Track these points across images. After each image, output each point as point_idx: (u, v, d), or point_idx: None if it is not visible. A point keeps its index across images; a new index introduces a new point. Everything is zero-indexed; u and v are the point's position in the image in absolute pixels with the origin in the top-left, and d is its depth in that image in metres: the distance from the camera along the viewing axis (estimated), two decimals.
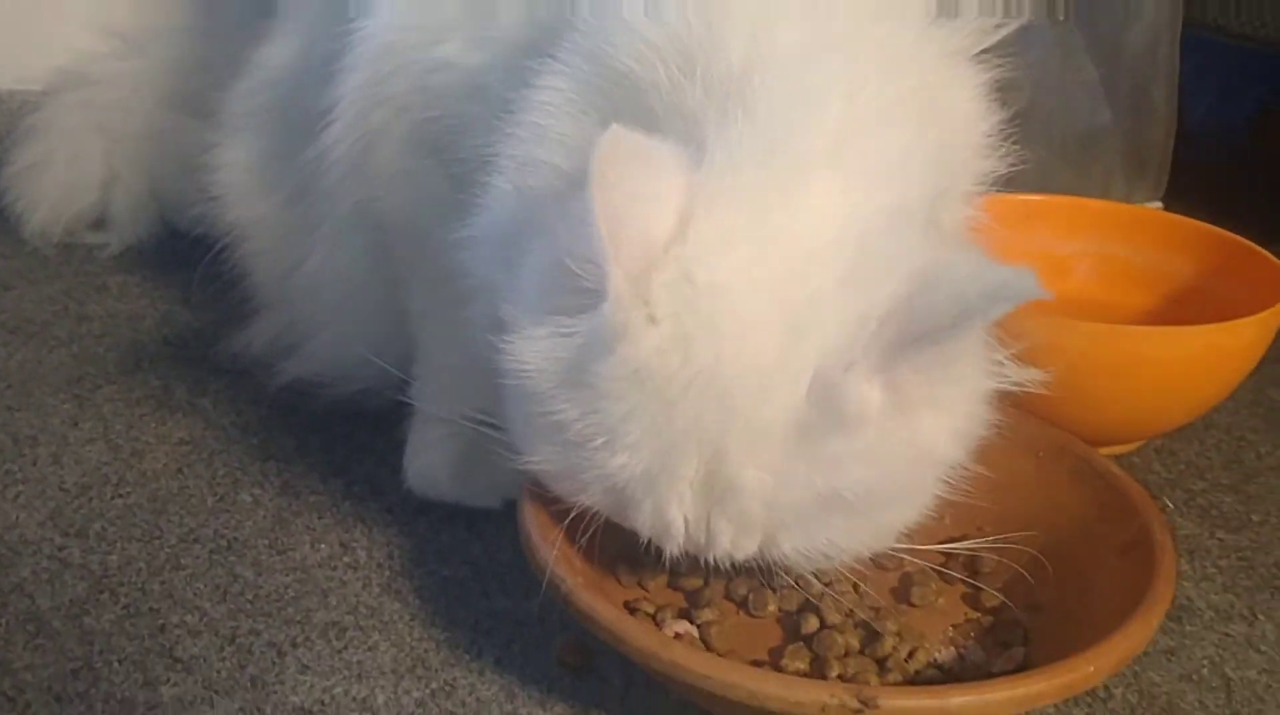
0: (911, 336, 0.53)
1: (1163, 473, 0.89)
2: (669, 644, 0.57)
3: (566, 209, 0.56)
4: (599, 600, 0.60)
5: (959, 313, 0.52)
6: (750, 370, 0.54)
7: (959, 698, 0.54)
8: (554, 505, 0.66)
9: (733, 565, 0.60)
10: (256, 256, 0.98)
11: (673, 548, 0.59)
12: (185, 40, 1.25)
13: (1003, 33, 0.68)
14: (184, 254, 1.16)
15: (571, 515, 0.61)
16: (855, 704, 0.53)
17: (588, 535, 0.62)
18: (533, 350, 0.57)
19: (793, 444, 0.54)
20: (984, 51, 0.67)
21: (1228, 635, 0.73)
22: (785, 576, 0.64)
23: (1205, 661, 0.71)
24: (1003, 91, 0.68)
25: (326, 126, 0.79)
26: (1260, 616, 0.74)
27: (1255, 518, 0.84)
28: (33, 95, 1.28)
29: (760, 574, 0.61)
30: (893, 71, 0.61)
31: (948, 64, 0.66)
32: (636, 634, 0.58)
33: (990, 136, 0.67)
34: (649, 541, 0.59)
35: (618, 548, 0.69)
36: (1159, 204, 1.16)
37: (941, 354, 0.54)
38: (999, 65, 0.68)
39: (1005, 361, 0.59)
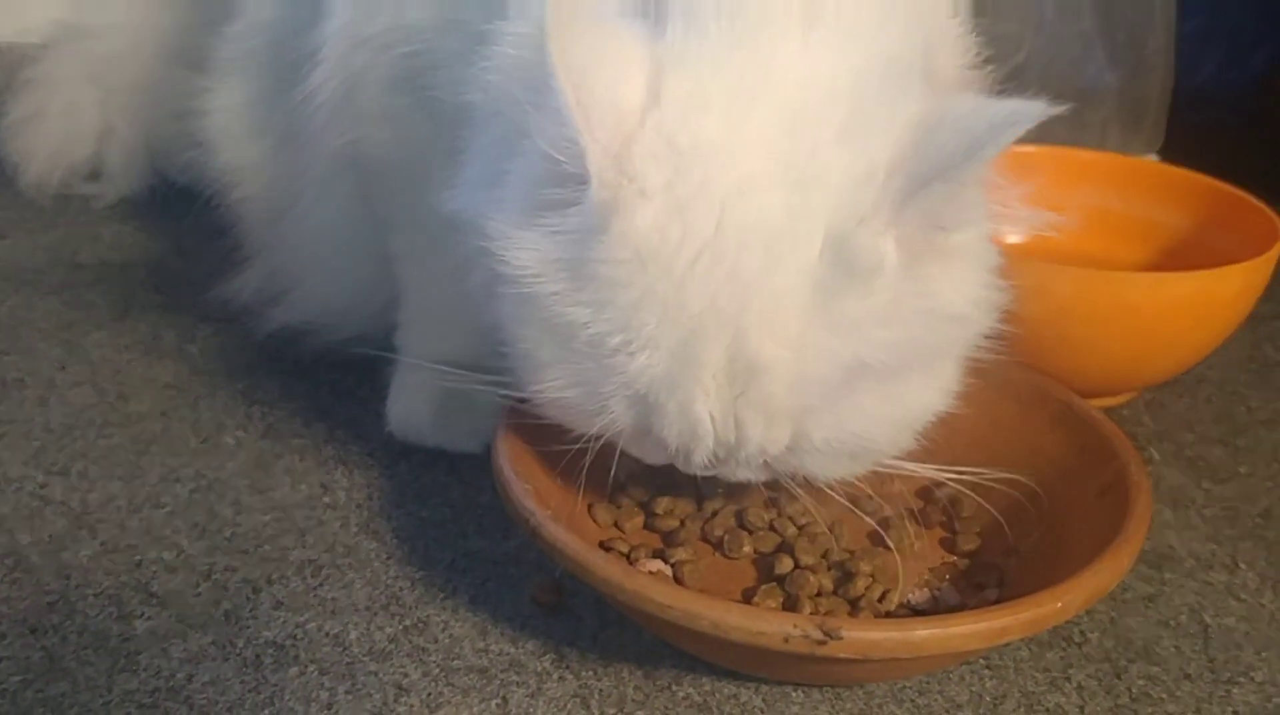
0: (921, 180, 0.51)
1: (1151, 425, 0.88)
2: (634, 574, 0.57)
3: (536, 101, 0.54)
4: (566, 533, 0.59)
5: (968, 146, 0.50)
6: (757, 235, 0.52)
7: (922, 630, 0.54)
8: (533, 441, 0.67)
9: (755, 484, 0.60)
10: (245, 202, 0.98)
11: (703, 452, 0.57)
12: None
13: None
14: (178, 204, 1.16)
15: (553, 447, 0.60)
16: (819, 635, 0.53)
17: (569, 469, 0.62)
18: (529, 254, 0.55)
19: (811, 311, 0.52)
20: None
21: (1208, 583, 0.72)
22: (800, 493, 0.63)
23: (1184, 608, 0.70)
24: (1000, 44, 0.67)
25: (312, 69, 0.79)
26: (1242, 565, 0.74)
27: (1243, 470, 0.83)
28: (31, 48, 1.27)
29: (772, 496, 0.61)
30: None
31: None
32: (601, 564, 0.57)
33: (963, 32, 0.65)
34: (676, 458, 0.58)
35: (595, 489, 0.69)
36: (1155, 157, 1.14)
37: (951, 197, 0.53)
38: None
39: (1015, 204, 0.57)
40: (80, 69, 1.24)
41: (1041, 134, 0.55)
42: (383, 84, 0.76)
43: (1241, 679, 0.65)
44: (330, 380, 0.90)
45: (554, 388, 0.58)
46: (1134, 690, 0.64)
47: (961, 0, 0.66)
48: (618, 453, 0.61)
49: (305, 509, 0.76)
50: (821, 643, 0.53)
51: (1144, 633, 0.68)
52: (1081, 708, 0.62)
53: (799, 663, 0.58)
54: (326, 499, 0.77)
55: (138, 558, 0.71)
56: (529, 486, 0.63)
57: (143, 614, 0.67)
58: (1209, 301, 0.81)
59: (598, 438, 0.59)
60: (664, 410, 0.55)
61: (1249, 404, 0.92)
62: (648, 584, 0.56)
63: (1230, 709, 0.63)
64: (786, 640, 0.53)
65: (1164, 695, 0.64)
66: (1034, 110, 0.50)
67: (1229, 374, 0.95)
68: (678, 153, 0.52)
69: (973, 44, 0.65)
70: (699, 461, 0.58)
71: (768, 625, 0.54)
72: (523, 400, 0.64)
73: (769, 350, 0.53)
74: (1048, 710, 0.62)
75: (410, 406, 0.82)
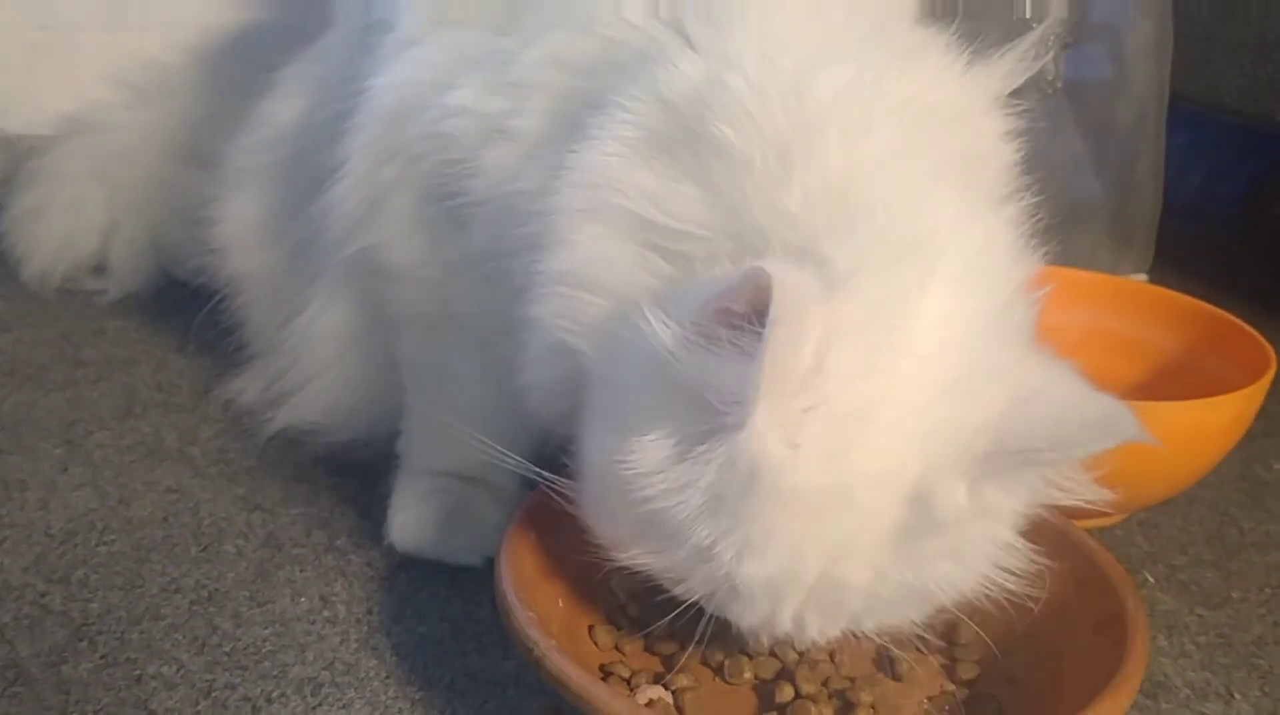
0: (1004, 457, 0.55)
1: (1144, 546, 0.89)
2: (638, 711, 0.57)
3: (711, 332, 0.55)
4: (570, 664, 0.60)
5: (1058, 440, 0.54)
6: (878, 481, 0.55)
7: None
8: (535, 564, 0.67)
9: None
10: (253, 306, 1.00)
11: (765, 639, 0.64)
12: (194, 94, 1.27)
13: (1027, 74, 0.70)
14: (182, 302, 1.17)
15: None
16: None
17: (570, 590, 0.62)
18: (661, 473, 0.56)
19: (892, 543, 0.56)
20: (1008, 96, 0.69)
21: (1204, 714, 0.73)
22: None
23: None
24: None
25: (336, 182, 0.80)
26: (1237, 695, 0.74)
27: (1235, 595, 0.84)
28: (40, 140, 1.30)
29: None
30: (959, 140, 0.64)
31: (981, 110, 0.68)
32: (606, 700, 0.58)
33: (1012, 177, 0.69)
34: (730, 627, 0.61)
35: (596, 609, 0.70)
36: (1144, 277, 1.16)
37: (1024, 476, 0.58)
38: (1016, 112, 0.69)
39: (1081, 481, 0.60)
40: (87, 164, 1.26)
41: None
42: (414, 195, 0.77)
43: None
44: (331, 485, 0.90)
45: (632, 557, 0.60)
46: None
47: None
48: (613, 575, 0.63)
49: (305, 622, 0.76)
50: None
51: None
52: None
53: None
54: (326, 612, 0.77)
55: (137, 673, 0.71)
56: (533, 614, 0.63)
57: None
58: (1203, 429, 0.82)
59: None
60: (753, 605, 0.58)
61: (1241, 526, 0.93)
62: None
63: None
64: None
65: None
66: (1129, 426, 0.54)
67: (1220, 494, 0.96)
68: (834, 414, 0.54)
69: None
70: (758, 642, 0.66)
71: None
72: (528, 515, 0.66)
73: (857, 571, 0.57)
74: None
75: (412, 518, 0.82)
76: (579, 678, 0.59)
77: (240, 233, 0.99)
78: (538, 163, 0.67)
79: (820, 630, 0.60)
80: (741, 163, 0.60)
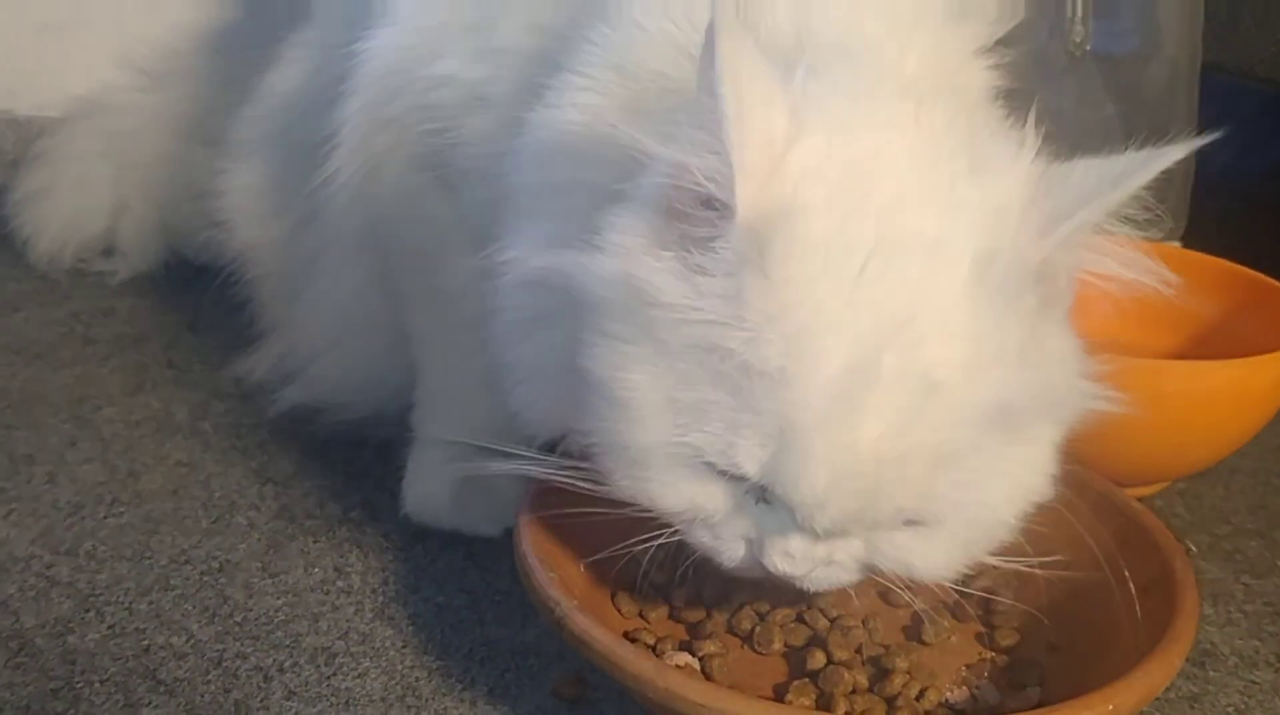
0: (1061, 215, 0.52)
1: (1186, 516, 0.86)
2: (665, 671, 0.55)
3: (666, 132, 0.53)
4: (595, 625, 0.57)
5: (1114, 178, 0.52)
6: (916, 246, 0.51)
7: None
8: (557, 528, 0.65)
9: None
10: (262, 281, 0.98)
11: (827, 516, 0.52)
12: (204, 77, 1.25)
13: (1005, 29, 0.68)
14: (192, 281, 1.15)
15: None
16: None
17: (592, 555, 0.59)
18: (676, 286, 0.53)
19: (974, 329, 0.51)
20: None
21: (1253, 682, 0.70)
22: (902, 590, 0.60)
23: (1230, 709, 0.68)
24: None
25: (332, 150, 0.79)
26: None
27: None
28: (49, 122, 1.28)
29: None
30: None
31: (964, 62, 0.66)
32: (631, 659, 0.55)
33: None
34: (767, 550, 0.55)
35: (619, 575, 0.67)
36: (1177, 243, 1.13)
37: (1077, 248, 0.54)
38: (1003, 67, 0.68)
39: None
40: (95, 145, 1.24)
41: None
42: (405, 163, 0.76)
43: None
44: (344, 459, 0.88)
45: (661, 439, 0.53)
46: None
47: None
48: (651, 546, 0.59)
49: (319, 593, 0.73)
50: None
51: None
52: None
53: None
54: (341, 583, 0.75)
55: (146, 643, 0.68)
56: (554, 575, 0.61)
57: (150, 702, 0.64)
58: (1245, 391, 0.79)
59: (655, 534, 0.57)
60: (810, 449, 0.51)
61: None
62: (680, 682, 0.54)
63: None
64: None
65: None
66: (1173, 150, 0.52)
67: (1262, 463, 0.94)
68: (832, 174, 0.52)
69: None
70: (797, 548, 0.55)
71: None
72: (546, 483, 0.62)
73: (943, 369, 0.51)
74: None
75: (427, 489, 0.80)
76: (604, 638, 0.56)
77: (245, 204, 0.97)
78: (508, 128, 0.66)
79: (905, 476, 0.51)
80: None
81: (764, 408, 0.51)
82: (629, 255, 0.54)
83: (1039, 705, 0.62)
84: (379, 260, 0.81)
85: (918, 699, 0.62)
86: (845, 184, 0.52)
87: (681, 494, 0.55)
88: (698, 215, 0.53)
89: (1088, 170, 0.54)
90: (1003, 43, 0.67)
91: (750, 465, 0.52)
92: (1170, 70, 1.07)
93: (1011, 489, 0.56)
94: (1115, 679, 0.56)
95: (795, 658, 0.66)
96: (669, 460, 0.54)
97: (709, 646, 0.65)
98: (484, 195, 0.69)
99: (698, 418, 0.52)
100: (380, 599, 0.73)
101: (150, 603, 0.72)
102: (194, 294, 1.11)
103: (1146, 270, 0.56)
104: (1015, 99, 0.65)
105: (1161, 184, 1.14)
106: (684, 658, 0.65)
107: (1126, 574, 0.66)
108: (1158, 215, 0.56)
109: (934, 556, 0.57)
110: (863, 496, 0.52)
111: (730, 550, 0.57)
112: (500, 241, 0.63)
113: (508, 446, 0.79)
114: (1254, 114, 1.38)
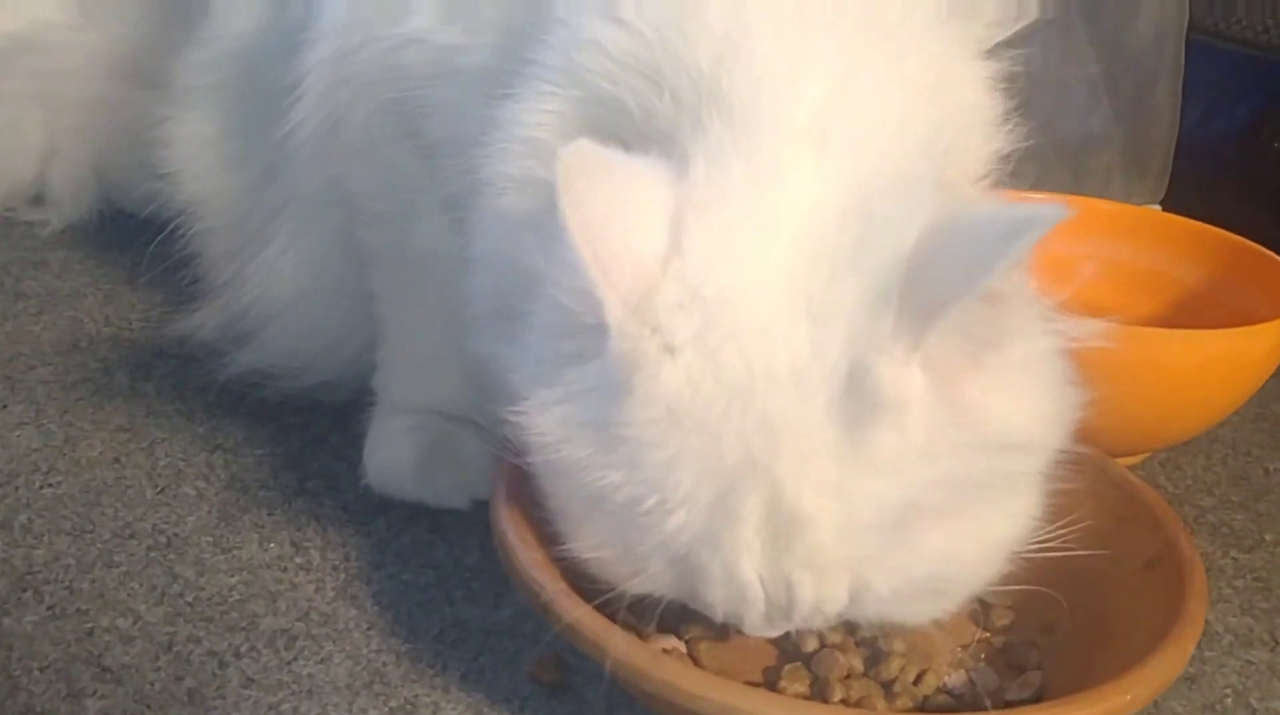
0: (938, 302, 0.46)
1: (1169, 487, 0.84)
2: (660, 661, 0.51)
3: (549, 249, 0.51)
4: (583, 609, 0.53)
5: (981, 259, 0.46)
6: (783, 375, 0.48)
7: None
8: (534, 504, 0.61)
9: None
10: (211, 236, 0.92)
11: (754, 616, 0.51)
12: (145, 13, 1.19)
13: (1017, 28, 0.64)
14: (131, 233, 1.08)
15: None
16: None
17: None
18: (552, 417, 0.51)
19: (846, 452, 0.47)
20: (996, 46, 0.63)
21: (1250, 662, 0.68)
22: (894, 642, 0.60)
23: (1229, 690, 0.66)
24: (1000, 84, 0.64)
25: (295, 102, 0.74)
26: None
27: (1269, 537, 0.80)
28: None
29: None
30: (890, 54, 0.56)
31: (956, 55, 0.61)
32: (625, 648, 0.52)
33: (996, 123, 0.62)
34: (730, 621, 0.53)
35: None
36: (1158, 207, 1.12)
37: (978, 313, 0.48)
38: (1008, 58, 0.63)
39: (1054, 314, 0.53)
40: (24, 85, 1.17)
41: (1043, 180, 0.50)
42: (367, 123, 0.71)
43: None
44: (299, 424, 0.83)
45: (589, 548, 0.53)
46: None
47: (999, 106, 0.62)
48: None
49: (276, 570, 0.69)
50: None
51: None
52: None
53: None
54: (299, 559, 0.70)
55: (89, 625, 0.64)
56: (538, 555, 0.57)
57: (95, 691, 0.60)
58: (1237, 360, 0.77)
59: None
60: (707, 572, 0.50)
61: (1266, 466, 0.88)
62: (677, 673, 0.51)
63: None
64: None
65: None
66: (1047, 216, 0.45)
67: (1240, 433, 0.92)
68: (704, 302, 0.48)
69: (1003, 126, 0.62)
70: (752, 625, 0.52)
71: None
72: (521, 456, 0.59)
73: (809, 499, 0.47)
74: None
75: (390, 457, 0.76)
76: (594, 623, 0.53)
77: (195, 155, 0.91)
78: (478, 116, 0.61)
79: (818, 591, 0.49)
80: (623, 111, 0.55)
81: (654, 538, 0.50)
82: (523, 386, 0.53)
83: (1040, 689, 0.60)
84: (344, 219, 0.77)
85: (915, 683, 0.60)
86: (721, 312, 0.48)
87: (631, 584, 0.53)
88: (582, 343, 0.51)
89: (969, 234, 0.48)
90: (1006, 44, 0.63)
91: (663, 583, 0.52)
92: (1156, 28, 1.05)
93: (966, 561, 0.53)
94: (1120, 661, 0.54)
95: (785, 640, 0.63)
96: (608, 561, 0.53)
97: (695, 630, 0.62)
98: (457, 167, 0.64)
99: (611, 540, 0.52)
100: (342, 576, 0.69)
101: (93, 581, 0.67)
102: (132, 247, 1.05)
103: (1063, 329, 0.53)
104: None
105: (1144, 149, 1.12)
106: (671, 641, 0.61)
107: (1125, 551, 0.63)
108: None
109: (912, 612, 0.55)
110: (775, 611, 0.51)
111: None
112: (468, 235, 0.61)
113: (479, 419, 0.75)
114: (1221, 77, 1.36)
